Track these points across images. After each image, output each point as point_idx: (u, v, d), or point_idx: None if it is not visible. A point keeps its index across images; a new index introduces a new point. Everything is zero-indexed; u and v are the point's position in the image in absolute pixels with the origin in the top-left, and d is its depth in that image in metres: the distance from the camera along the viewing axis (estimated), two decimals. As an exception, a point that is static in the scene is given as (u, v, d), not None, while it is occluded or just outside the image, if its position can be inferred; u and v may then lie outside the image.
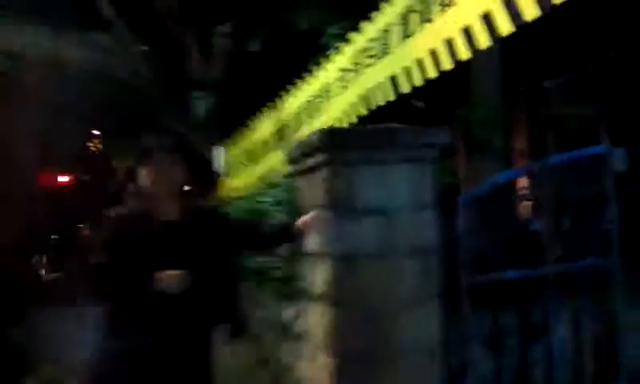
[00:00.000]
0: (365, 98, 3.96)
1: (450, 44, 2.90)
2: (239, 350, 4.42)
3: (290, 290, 3.31)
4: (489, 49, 5.50)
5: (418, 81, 3.21)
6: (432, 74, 3.07)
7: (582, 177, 3.52)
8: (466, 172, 5.93)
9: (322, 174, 2.78)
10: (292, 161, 3.25)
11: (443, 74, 3.13)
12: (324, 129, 2.78)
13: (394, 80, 3.51)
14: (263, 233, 2.59)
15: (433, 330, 2.79)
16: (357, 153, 2.72)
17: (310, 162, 2.92)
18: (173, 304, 2.08)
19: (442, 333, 2.81)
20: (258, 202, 3.86)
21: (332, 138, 2.73)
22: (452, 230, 2.91)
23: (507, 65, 5.71)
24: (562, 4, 2.35)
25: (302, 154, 3.03)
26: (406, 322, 2.73)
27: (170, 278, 2.05)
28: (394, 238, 2.72)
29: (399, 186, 2.76)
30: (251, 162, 6.43)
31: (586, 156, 3.52)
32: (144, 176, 2.23)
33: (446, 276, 2.85)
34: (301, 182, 3.16)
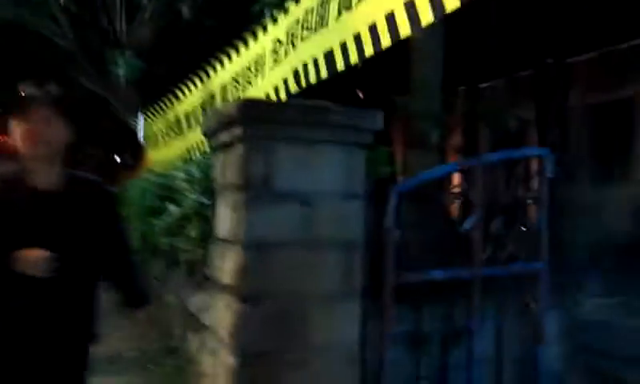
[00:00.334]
0: (299, 74, 3.65)
1: (391, 18, 2.63)
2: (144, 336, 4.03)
3: (200, 276, 2.98)
4: (432, 42, 5.37)
5: (355, 58, 2.92)
6: (370, 50, 2.80)
7: (515, 178, 3.44)
8: (402, 164, 5.76)
9: (239, 149, 2.45)
10: (209, 134, 2.89)
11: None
12: (243, 99, 2.44)
13: (329, 55, 3.22)
14: (133, 268, 2.05)
15: (352, 329, 2.55)
16: (279, 129, 2.40)
17: (227, 135, 2.57)
18: (35, 291, 1.70)
19: (361, 331, 2.57)
20: (171, 179, 3.48)
21: (251, 110, 2.40)
22: (380, 223, 2.66)
23: (449, 62, 5.59)
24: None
25: (218, 127, 2.68)
26: (322, 320, 2.46)
27: (30, 257, 1.66)
28: (316, 227, 2.44)
29: (325, 171, 2.47)
30: (175, 135, 5.97)
31: (519, 157, 3.45)
32: (17, 132, 1.81)
33: (370, 271, 2.61)
34: (217, 159, 2.81)
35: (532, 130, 10.74)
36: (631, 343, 4.75)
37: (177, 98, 5.94)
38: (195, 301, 3.05)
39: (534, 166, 3.44)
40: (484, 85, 11.94)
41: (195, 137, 5.17)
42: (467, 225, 3.31)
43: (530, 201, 3.41)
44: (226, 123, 2.53)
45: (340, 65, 3.05)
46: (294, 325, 2.38)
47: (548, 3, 8.42)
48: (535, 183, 3.40)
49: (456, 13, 2.37)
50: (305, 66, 3.56)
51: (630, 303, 6.06)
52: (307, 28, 3.56)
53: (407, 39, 5.51)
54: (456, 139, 10.21)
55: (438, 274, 2.93)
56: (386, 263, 2.63)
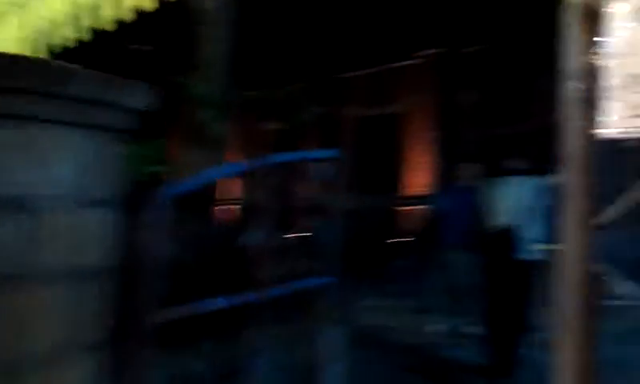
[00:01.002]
0: (38, 37, 2.72)
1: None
2: None
3: None
4: (222, 26, 4.79)
5: (110, 15, 2.17)
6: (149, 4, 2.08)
7: (303, 182, 3.18)
8: (176, 161, 5.01)
9: None
10: None
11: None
12: None
13: (78, 12, 2.40)
14: None
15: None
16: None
17: None
18: None
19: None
20: None
21: None
22: (139, 240, 1.96)
23: (240, 58, 5.13)
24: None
25: None
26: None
27: None
28: (38, 249, 1.63)
29: (57, 165, 1.69)
30: None
31: (311, 159, 3.21)
32: None
33: (121, 306, 1.90)
34: None
35: (309, 138, 11.09)
36: (408, 346, 4.99)
37: None
38: None
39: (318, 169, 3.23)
40: (272, 90, 11.95)
41: None
42: (252, 239, 2.87)
43: (317, 207, 3.19)
44: None
45: (91, 21, 2.26)
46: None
47: (329, 22, 8.77)
48: (320, 187, 3.19)
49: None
50: (47, 25, 2.65)
51: (400, 304, 6.51)
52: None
53: (194, 18, 4.87)
54: (240, 136, 9.90)
55: (210, 304, 2.37)
56: (143, 295, 1.95)
